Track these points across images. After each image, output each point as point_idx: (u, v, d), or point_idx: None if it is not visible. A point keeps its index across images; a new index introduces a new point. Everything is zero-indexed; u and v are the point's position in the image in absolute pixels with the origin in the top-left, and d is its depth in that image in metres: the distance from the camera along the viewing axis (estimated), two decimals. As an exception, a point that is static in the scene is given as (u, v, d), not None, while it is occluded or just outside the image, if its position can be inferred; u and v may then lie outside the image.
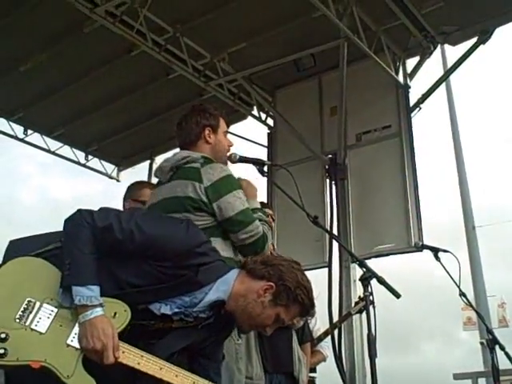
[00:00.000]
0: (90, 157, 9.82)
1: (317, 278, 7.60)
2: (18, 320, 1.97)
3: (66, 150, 9.64)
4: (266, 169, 3.15)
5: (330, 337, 5.84)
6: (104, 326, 2.01)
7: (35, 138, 9.28)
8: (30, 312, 1.99)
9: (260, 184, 3.26)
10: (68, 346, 2.00)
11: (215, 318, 2.22)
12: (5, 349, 1.91)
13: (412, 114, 7.44)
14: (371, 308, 3.26)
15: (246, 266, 2.30)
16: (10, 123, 8.93)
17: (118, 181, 10.17)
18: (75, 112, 8.74)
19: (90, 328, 1.99)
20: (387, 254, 7.14)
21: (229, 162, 3.08)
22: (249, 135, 8.76)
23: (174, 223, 2.26)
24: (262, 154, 8.47)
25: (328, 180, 7.80)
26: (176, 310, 2.15)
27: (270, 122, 8.67)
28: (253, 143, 8.76)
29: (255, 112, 8.65)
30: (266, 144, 8.66)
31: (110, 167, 10.12)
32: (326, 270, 7.35)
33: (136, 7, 6.62)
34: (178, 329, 2.19)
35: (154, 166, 8.71)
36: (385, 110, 7.52)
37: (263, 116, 8.69)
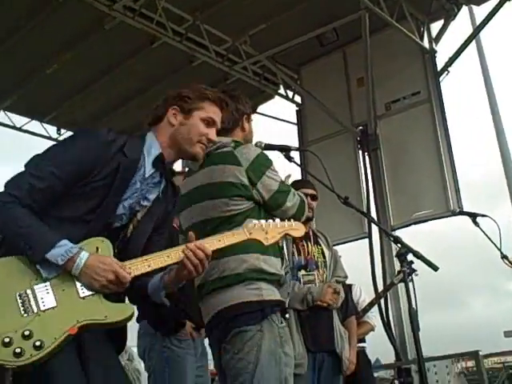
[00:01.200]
0: (124, 150, 9.93)
1: (358, 249, 7.65)
2: (25, 315, 1.95)
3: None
4: (292, 154, 3.16)
5: (376, 307, 5.91)
6: (99, 259, 2.02)
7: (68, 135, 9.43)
8: (29, 301, 1.96)
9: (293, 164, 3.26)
10: (84, 298, 2.01)
11: (165, 181, 2.29)
12: (40, 341, 1.90)
13: (440, 78, 7.34)
14: (411, 282, 3.31)
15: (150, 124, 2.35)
16: (43, 124, 9.08)
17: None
18: (104, 107, 8.85)
19: (90, 271, 1.99)
20: (425, 221, 7.13)
21: None
22: (277, 114, 8.76)
23: (80, 136, 2.23)
24: (293, 131, 8.48)
25: (360, 152, 7.79)
26: (133, 200, 2.18)
27: (298, 99, 8.65)
28: (282, 122, 8.75)
29: (282, 91, 8.63)
30: (295, 121, 8.64)
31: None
32: (367, 240, 7.37)
33: (154, -1, 6.65)
34: (143, 218, 2.23)
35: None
36: (412, 77, 7.44)
37: (290, 94, 8.67)
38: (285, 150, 3.08)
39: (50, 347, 1.90)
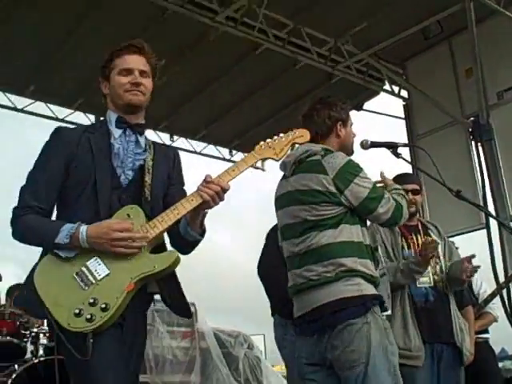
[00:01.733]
0: (233, 152, 10.20)
1: (476, 240, 7.45)
2: (86, 288, 2.19)
3: (211, 149, 10.08)
4: (400, 150, 3.16)
5: (498, 298, 5.76)
6: (97, 227, 2.21)
7: (181, 142, 9.81)
8: (86, 276, 2.20)
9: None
10: (130, 259, 2.23)
11: (140, 135, 2.56)
12: (105, 303, 2.15)
13: (557, 63, 6.96)
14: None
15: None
16: (157, 132, 9.48)
17: (263, 170, 10.43)
18: (213, 113, 9.11)
19: (95, 239, 2.20)
20: (546, 211, 6.82)
21: (361, 149, 3.12)
22: (384, 110, 8.64)
23: (48, 140, 2.42)
24: (401, 126, 8.35)
25: (473, 143, 7.54)
26: (128, 161, 2.42)
27: (404, 93, 8.49)
28: (389, 117, 8.63)
29: (387, 87, 8.50)
30: (402, 116, 8.50)
31: (253, 159, 10.42)
32: (485, 231, 7.16)
33: (254, 8, 6.77)
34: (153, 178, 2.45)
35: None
36: (525, 64, 7.09)
37: (396, 89, 8.53)
38: (391, 146, 3.10)
39: (115, 306, 2.16)
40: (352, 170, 2.72)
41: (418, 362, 3.34)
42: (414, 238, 3.65)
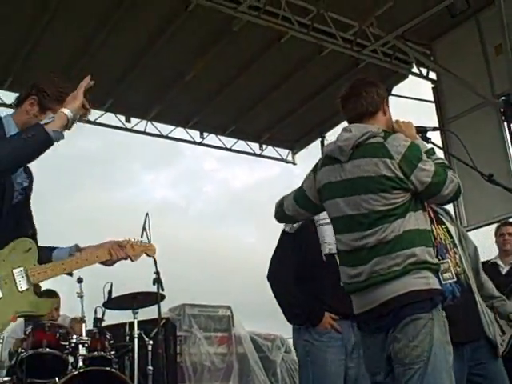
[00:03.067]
0: (264, 146, 10.19)
1: None
2: None
3: (241, 144, 10.10)
4: (429, 135, 3.08)
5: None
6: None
7: (211, 138, 9.84)
8: None
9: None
10: (22, 292, 2.43)
11: None
12: None
13: None
14: None
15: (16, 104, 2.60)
16: (187, 130, 9.53)
17: (294, 164, 10.46)
18: (242, 107, 9.13)
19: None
20: None
21: None
22: (413, 94, 8.54)
23: None
24: (431, 110, 8.22)
25: (506, 123, 7.35)
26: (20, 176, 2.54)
27: (432, 75, 8.38)
28: (419, 101, 8.52)
29: (415, 69, 8.39)
30: (432, 99, 8.38)
31: (284, 152, 10.44)
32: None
33: (276, -5, 6.76)
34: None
35: (326, 143, 8.82)
36: (556, 36, 6.90)
37: (424, 71, 8.42)
38: (420, 131, 3.01)
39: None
40: (416, 153, 2.65)
41: None
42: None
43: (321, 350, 3.50)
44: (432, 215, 3.42)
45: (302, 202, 2.97)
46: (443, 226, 3.46)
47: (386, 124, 2.83)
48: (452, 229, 3.48)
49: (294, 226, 3.58)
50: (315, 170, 2.91)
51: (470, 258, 3.47)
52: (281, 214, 3.09)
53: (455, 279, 3.28)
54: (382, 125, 2.80)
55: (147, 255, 2.94)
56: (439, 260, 3.27)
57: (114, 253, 2.67)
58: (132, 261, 2.77)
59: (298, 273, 3.54)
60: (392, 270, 2.54)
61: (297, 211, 3.01)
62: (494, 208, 7.15)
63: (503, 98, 7.29)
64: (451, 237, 3.43)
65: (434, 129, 3.12)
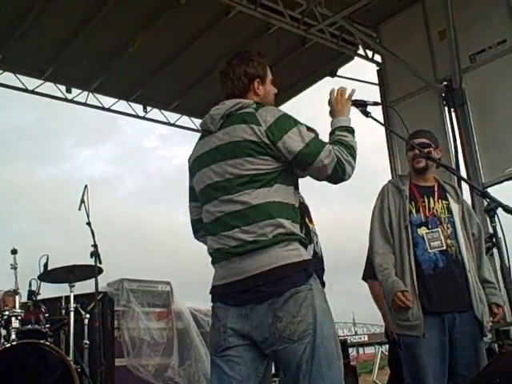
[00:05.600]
0: (208, 123, 10.08)
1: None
2: None
3: (185, 120, 9.99)
4: (368, 109, 3.06)
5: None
6: None
7: (154, 113, 9.70)
8: None
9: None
10: None
11: None
12: None
13: (528, 24, 6.96)
14: (502, 241, 3.19)
15: None
16: (130, 103, 9.35)
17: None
18: (186, 82, 9.01)
19: None
20: (520, 175, 6.83)
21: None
22: (358, 75, 8.60)
23: None
24: (375, 92, 8.31)
25: (446, 108, 7.54)
26: None
27: (378, 58, 8.45)
28: (363, 83, 8.60)
29: (361, 51, 8.47)
30: (376, 82, 8.47)
31: (228, 130, 10.34)
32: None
33: (224, -31, 6.67)
34: None
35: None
36: (497, 25, 7.06)
37: (370, 54, 8.49)
38: (360, 105, 2.99)
39: None
40: (287, 122, 2.54)
41: (417, 331, 3.27)
42: (426, 201, 3.53)
43: None
44: (435, 189, 3.58)
45: (191, 196, 2.81)
46: (444, 202, 3.53)
47: (262, 101, 2.69)
48: (455, 206, 3.53)
49: None
50: (189, 159, 2.79)
51: (473, 237, 3.51)
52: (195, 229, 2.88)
53: (444, 247, 3.38)
54: (259, 101, 2.67)
55: None
56: (429, 229, 3.42)
57: None
58: None
59: None
60: (261, 239, 2.42)
61: (195, 209, 2.80)
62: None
63: (445, 83, 7.51)
64: (450, 213, 3.48)
65: (375, 103, 3.08)
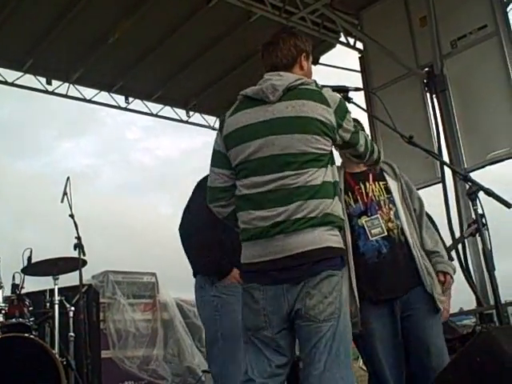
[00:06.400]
0: (191, 113, 10.06)
1: (432, 195, 7.49)
2: None
3: (168, 111, 9.94)
4: (350, 95, 3.06)
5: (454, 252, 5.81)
6: None
7: (137, 104, 9.64)
8: None
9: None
10: None
11: None
12: None
13: (508, 9, 6.99)
14: (483, 224, 3.20)
15: None
16: (112, 95, 9.28)
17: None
18: (168, 72, 8.96)
19: None
20: (501, 160, 6.88)
21: None
22: (340, 63, 8.60)
23: None
24: (357, 79, 8.31)
25: (428, 94, 7.56)
26: None
27: (360, 45, 8.44)
28: (345, 70, 8.60)
29: (343, 39, 8.45)
30: (358, 69, 8.47)
31: (211, 119, 10.31)
32: (441, 185, 7.22)
33: (204, -43, 6.62)
34: None
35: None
36: (477, 10, 7.08)
37: (351, 41, 8.48)
38: (342, 90, 2.99)
39: None
40: (345, 107, 2.65)
41: (355, 328, 3.02)
42: (362, 186, 3.33)
43: (230, 302, 3.46)
44: (369, 171, 3.39)
45: (221, 162, 2.72)
46: (382, 183, 3.37)
47: (306, 76, 2.71)
48: (394, 184, 3.39)
49: None
50: (221, 127, 2.72)
51: (414, 213, 3.38)
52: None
53: (385, 234, 3.23)
54: (303, 75, 2.69)
55: None
56: (368, 216, 3.27)
57: None
58: None
59: (209, 222, 3.27)
60: (310, 216, 2.45)
61: (221, 175, 2.72)
62: (414, 175, 7.32)
63: (426, 69, 7.54)
64: (388, 193, 3.35)
65: (356, 89, 3.09)
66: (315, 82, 2.65)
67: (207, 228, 3.45)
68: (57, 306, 5.40)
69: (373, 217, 3.27)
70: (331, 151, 2.61)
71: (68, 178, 5.41)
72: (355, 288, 3.10)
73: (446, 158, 7.12)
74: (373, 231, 3.24)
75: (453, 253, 5.64)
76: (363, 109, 3.34)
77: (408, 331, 3.17)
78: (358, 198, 3.31)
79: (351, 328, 2.77)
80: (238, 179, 2.63)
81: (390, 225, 3.26)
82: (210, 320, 3.58)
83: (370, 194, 3.32)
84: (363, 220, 3.27)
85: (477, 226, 3.23)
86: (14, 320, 4.98)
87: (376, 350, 3.15)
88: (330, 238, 2.48)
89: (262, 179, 2.53)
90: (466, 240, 6.70)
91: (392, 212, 3.29)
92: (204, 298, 3.62)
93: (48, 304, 5.58)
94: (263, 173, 2.53)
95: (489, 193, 3.04)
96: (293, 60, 2.70)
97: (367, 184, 3.35)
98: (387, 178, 3.40)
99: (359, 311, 3.09)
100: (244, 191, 2.59)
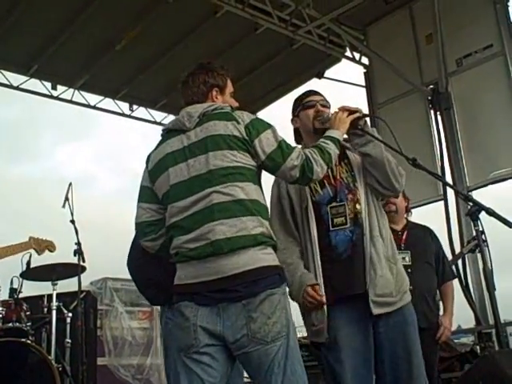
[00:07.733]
0: (193, 122, 10.04)
1: (434, 212, 7.49)
2: None
3: (171, 119, 9.93)
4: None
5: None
6: None
7: (140, 111, 9.66)
8: None
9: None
10: None
11: None
12: None
13: (514, 29, 7.01)
14: (484, 243, 3.18)
15: None
16: (116, 101, 9.31)
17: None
18: (173, 81, 8.92)
19: None
20: (504, 179, 6.88)
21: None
22: (345, 78, 8.63)
23: None
24: (362, 94, 8.34)
25: (432, 111, 7.58)
26: None
27: (365, 60, 8.47)
28: (350, 85, 8.62)
29: (348, 53, 8.48)
30: (363, 84, 8.49)
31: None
32: (442, 203, 7.23)
33: (213, -31, 6.66)
34: None
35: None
36: (484, 30, 7.11)
37: (357, 56, 8.50)
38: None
39: None
40: (262, 124, 2.60)
41: (321, 337, 2.84)
42: (329, 171, 2.89)
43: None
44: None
45: (147, 196, 2.69)
46: (346, 161, 3.05)
47: None
48: (355, 160, 3.05)
49: None
50: (147, 162, 2.72)
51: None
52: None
53: (348, 225, 2.91)
54: None
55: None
56: (337, 203, 2.95)
57: None
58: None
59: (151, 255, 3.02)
60: (241, 234, 2.40)
61: (148, 210, 2.70)
62: (417, 193, 7.34)
63: (431, 86, 7.56)
64: (352, 170, 3.02)
65: (364, 115, 3.07)
66: (230, 106, 2.67)
67: (150, 262, 3.11)
68: (54, 312, 5.39)
69: (339, 204, 2.95)
70: (256, 170, 2.57)
71: (70, 184, 5.42)
72: (322, 288, 2.85)
73: (448, 176, 7.13)
74: (335, 220, 2.93)
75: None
76: (366, 131, 3.15)
77: (385, 337, 2.85)
78: (326, 182, 2.99)
79: (317, 336, 2.79)
80: (166, 210, 2.61)
81: (358, 207, 2.95)
82: (165, 342, 3.51)
83: (338, 177, 3.01)
84: (328, 207, 2.96)
85: (477, 241, 3.22)
86: (10, 324, 4.96)
87: (342, 364, 2.81)
88: (263, 257, 2.43)
89: (185, 203, 2.51)
90: (466, 258, 6.71)
91: (358, 193, 2.97)
92: (162, 319, 3.54)
93: (46, 309, 5.58)
94: (186, 195, 2.51)
95: (490, 212, 3.00)
96: (203, 97, 2.72)
97: (333, 167, 2.96)
98: (347, 152, 3.08)
99: (326, 316, 2.83)
100: (172, 219, 2.56)
